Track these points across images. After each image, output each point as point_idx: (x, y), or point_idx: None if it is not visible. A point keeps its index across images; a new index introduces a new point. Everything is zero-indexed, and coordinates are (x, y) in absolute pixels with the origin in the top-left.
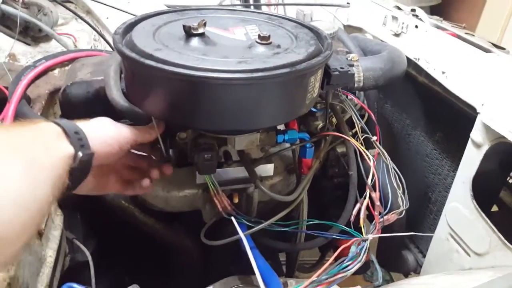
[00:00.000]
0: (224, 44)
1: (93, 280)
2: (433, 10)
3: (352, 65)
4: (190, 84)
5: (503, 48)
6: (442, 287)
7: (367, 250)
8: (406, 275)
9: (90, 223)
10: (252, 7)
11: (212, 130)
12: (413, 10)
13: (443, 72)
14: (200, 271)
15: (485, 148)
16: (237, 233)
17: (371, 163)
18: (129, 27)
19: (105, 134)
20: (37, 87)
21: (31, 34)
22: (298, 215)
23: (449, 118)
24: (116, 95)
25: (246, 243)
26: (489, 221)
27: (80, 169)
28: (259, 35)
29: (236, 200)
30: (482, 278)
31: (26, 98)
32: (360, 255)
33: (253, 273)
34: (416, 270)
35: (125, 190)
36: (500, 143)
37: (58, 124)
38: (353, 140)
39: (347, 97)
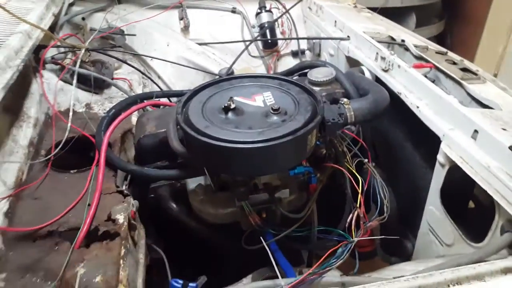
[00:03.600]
0: (249, 113)
1: (168, 272)
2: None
3: (342, 114)
4: (228, 150)
5: (475, 74)
6: (409, 271)
7: (349, 251)
8: (408, 259)
9: (158, 231)
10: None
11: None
12: (403, 40)
13: (417, 107)
14: (242, 265)
15: (447, 167)
16: (267, 240)
17: (359, 190)
18: (184, 104)
19: None
20: (113, 133)
21: (97, 85)
22: (311, 222)
23: (429, 137)
24: (176, 144)
25: (268, 249)
26: (452, 221)
27: None
28: (272, 108)
29: (264, 215)
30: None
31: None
32: (343, 254)
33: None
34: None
35: None
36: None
37: None
38: (346, 171)
39: (342, 132)
